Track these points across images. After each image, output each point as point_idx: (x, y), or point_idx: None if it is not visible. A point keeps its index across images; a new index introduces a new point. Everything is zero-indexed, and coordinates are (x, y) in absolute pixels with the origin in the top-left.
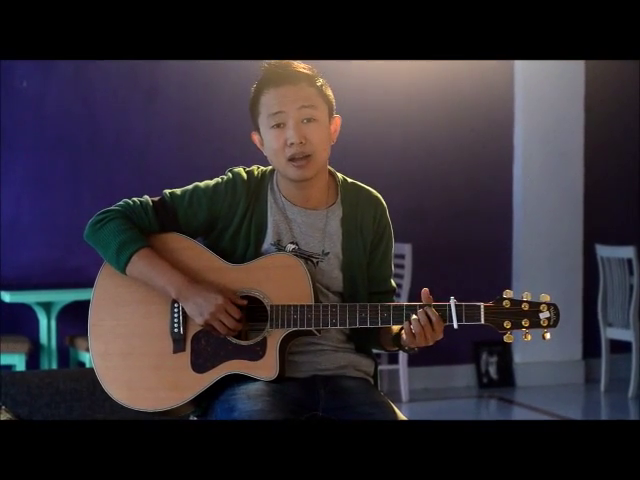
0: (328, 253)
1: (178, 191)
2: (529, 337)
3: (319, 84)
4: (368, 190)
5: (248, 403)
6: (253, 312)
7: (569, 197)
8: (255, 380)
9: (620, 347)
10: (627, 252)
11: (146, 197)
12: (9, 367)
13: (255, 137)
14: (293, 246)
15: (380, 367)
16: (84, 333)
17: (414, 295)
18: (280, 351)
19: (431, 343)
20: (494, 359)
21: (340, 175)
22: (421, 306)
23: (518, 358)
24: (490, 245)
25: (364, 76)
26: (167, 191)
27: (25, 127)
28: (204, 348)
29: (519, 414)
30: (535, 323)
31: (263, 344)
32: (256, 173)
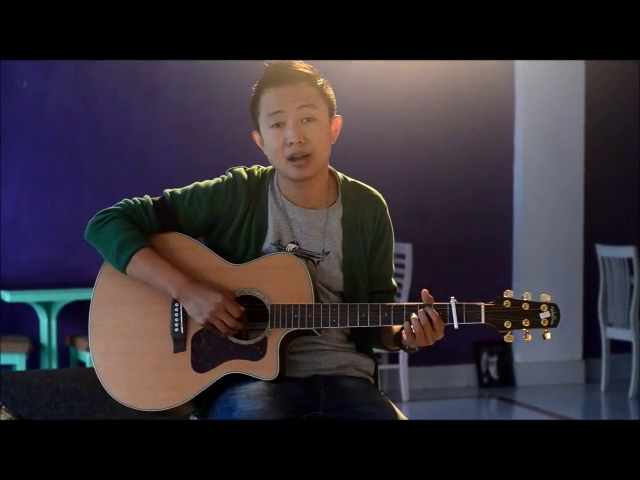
0: (328, 252)
1: (179, 191)
2: (529, 337)
3: (319, 84)
4: (368, 189)
5: (248, 403)
6: (253, 312)
7: (569, 197)
8: (255, 380)
9: (620, 347)
10: (627, 252)
11: (147, 197)
12: (9, 367)
13: (255, 136)
14: (294, 246)
15: (380, 367)
16: (84, 333)
17: (414, 295)
18: (280, 351)
19: (431, 343)
20: (494, 359)
21: (340, 174)
22: (421, 306)
23: (518, 358)
24: (490, 245)
25: (364, 76)
26: (168, 191)
27: (25, 127)
28: (204, 348)
29: (519, 414)
30: (535, 323)
31: (263, 344)
32: (256, 173)
